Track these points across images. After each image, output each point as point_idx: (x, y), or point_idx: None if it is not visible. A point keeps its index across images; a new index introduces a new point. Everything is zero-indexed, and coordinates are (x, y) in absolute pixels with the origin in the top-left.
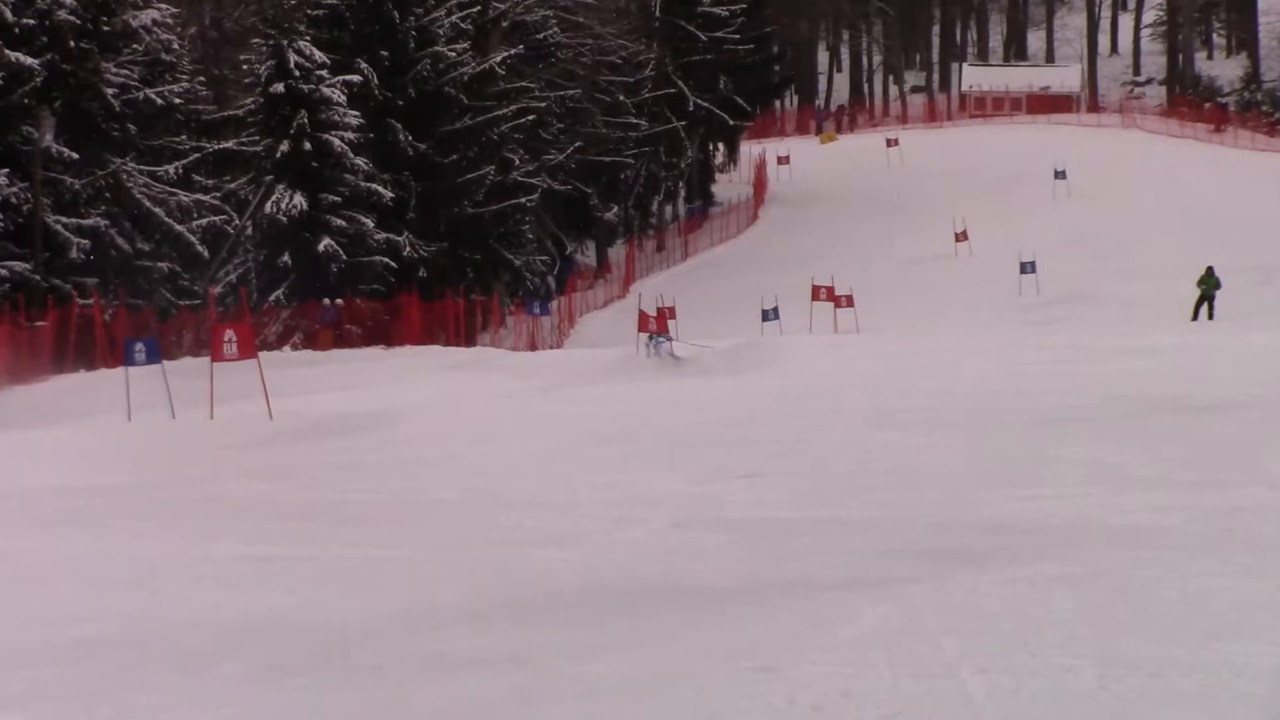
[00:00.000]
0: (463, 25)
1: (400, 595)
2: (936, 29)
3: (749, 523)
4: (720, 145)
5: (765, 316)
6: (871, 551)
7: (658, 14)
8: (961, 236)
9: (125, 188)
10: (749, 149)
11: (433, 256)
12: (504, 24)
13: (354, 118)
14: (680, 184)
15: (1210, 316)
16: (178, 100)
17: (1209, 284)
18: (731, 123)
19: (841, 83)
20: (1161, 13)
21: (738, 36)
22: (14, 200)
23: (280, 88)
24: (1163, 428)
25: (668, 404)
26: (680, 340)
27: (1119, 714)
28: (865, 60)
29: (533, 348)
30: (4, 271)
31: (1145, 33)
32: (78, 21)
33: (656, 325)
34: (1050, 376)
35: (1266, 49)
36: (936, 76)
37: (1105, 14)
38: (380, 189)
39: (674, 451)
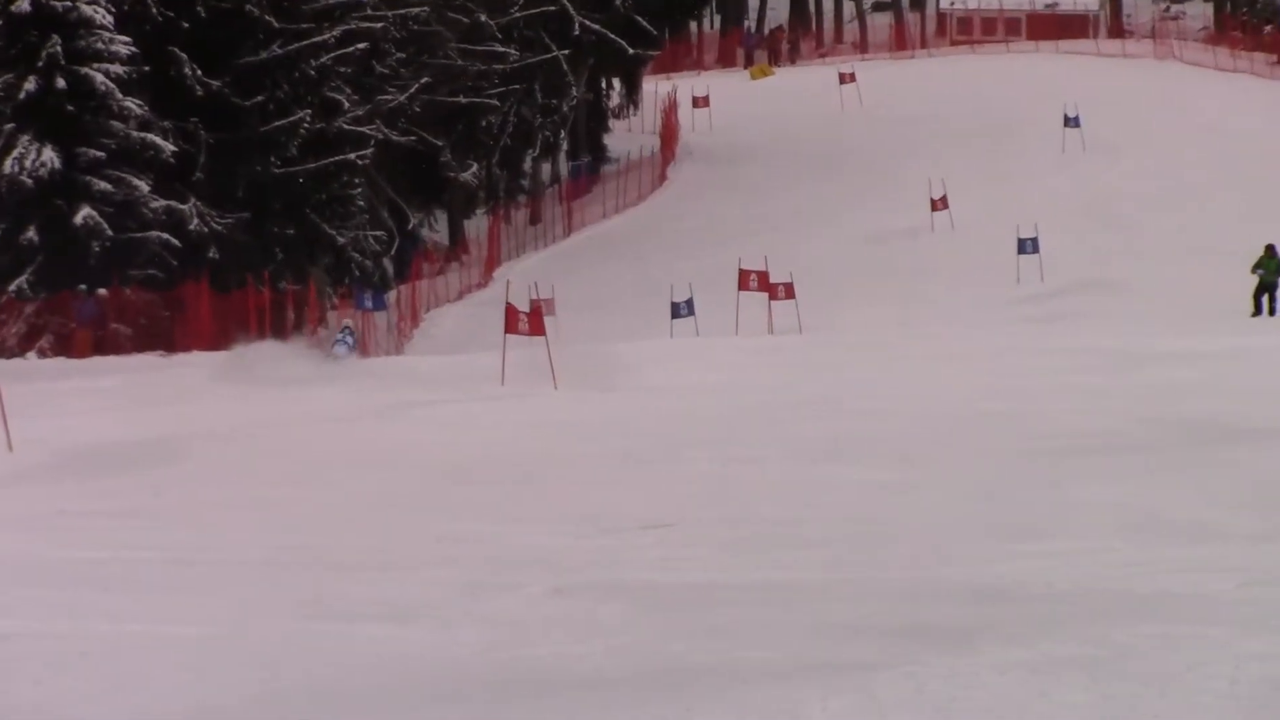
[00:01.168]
0: None
1: (180, 689)
2: None
3: (657, 588)
4: (616, 82)
5: (676, 311)
6: (820, 627)
7: None
8: (940, 204)
9: None
10: (655, 87)
11: (229, 231)
12: None
13: (124, 45)
14: (562, 134)
15: (1272, 311)
16: None
17: (1269, 268)
18: (631, 51)
19: None
20: None
21: None
22: None
23: (25, 5)
24: (1209, 461)
25: (548, 429)
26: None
27: None
28: None
29: (364, 353)
30: None
31: None
32: None
33: (529, 325)
34: (1059, 392)
35: None
36: None
37: None
38: (159, 141)
39: (556, 492)
